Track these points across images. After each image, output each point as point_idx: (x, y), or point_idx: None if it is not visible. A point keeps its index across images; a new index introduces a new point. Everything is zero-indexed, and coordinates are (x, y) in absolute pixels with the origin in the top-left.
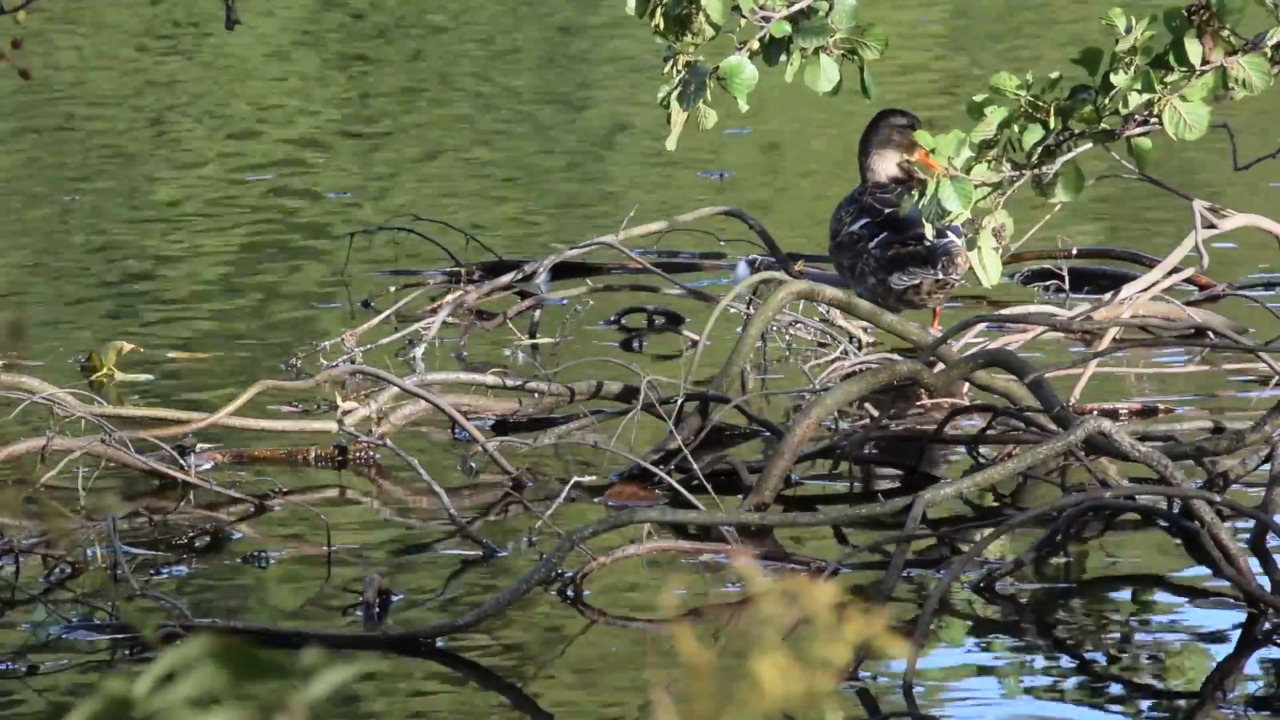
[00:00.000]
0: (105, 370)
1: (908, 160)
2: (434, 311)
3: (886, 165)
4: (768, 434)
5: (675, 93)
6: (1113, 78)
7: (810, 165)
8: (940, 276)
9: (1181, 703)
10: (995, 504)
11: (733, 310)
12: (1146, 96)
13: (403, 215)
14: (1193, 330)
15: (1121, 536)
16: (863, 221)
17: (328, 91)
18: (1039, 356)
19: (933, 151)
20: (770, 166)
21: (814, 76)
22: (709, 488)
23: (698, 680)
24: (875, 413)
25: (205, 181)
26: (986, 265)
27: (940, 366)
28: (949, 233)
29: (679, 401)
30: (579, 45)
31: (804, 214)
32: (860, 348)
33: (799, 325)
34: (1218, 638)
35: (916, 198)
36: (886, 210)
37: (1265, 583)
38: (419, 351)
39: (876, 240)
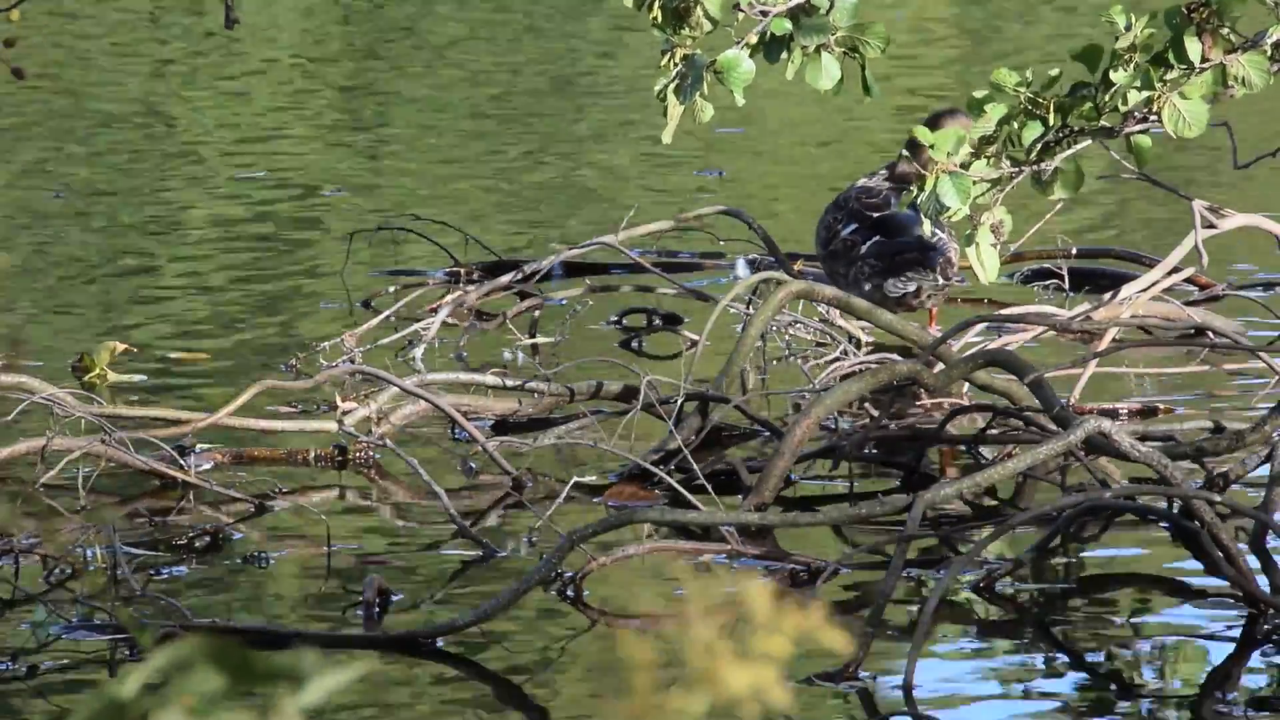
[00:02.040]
0: (98, 371)
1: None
2: (434, 311)
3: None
4: (768, 434)
5: (672, 86)
6: (1112, 75)
7: (809, 163)
8: (940, 282)
9: (1181, 703)
10: (995, 504)
11: (733, 310)
12: (1146, 94)
13: (403, 215)
14: (1193, 330)
15: (1121, 536)
16: (852, 227)
17: (327, 89)
18: (1039, 356)
19: (932, 147)
20: (768, 164)
21: (815, 74)
22: (709, 488)
23: (641, 679)
24: (875, 413)
25: (203, 180)
26: (985, 262)
27: (940, 366)
28: (939, 232)
29: (679, 401)
30: (580, 43)
31: (802, 213)
32: (859, 348)
33: (798, 325)
34: (1218, 638)
35: (914, 194)
36: (875, 214)
37: (1265, 583)
38: (419, 352)
39: (869, 245)
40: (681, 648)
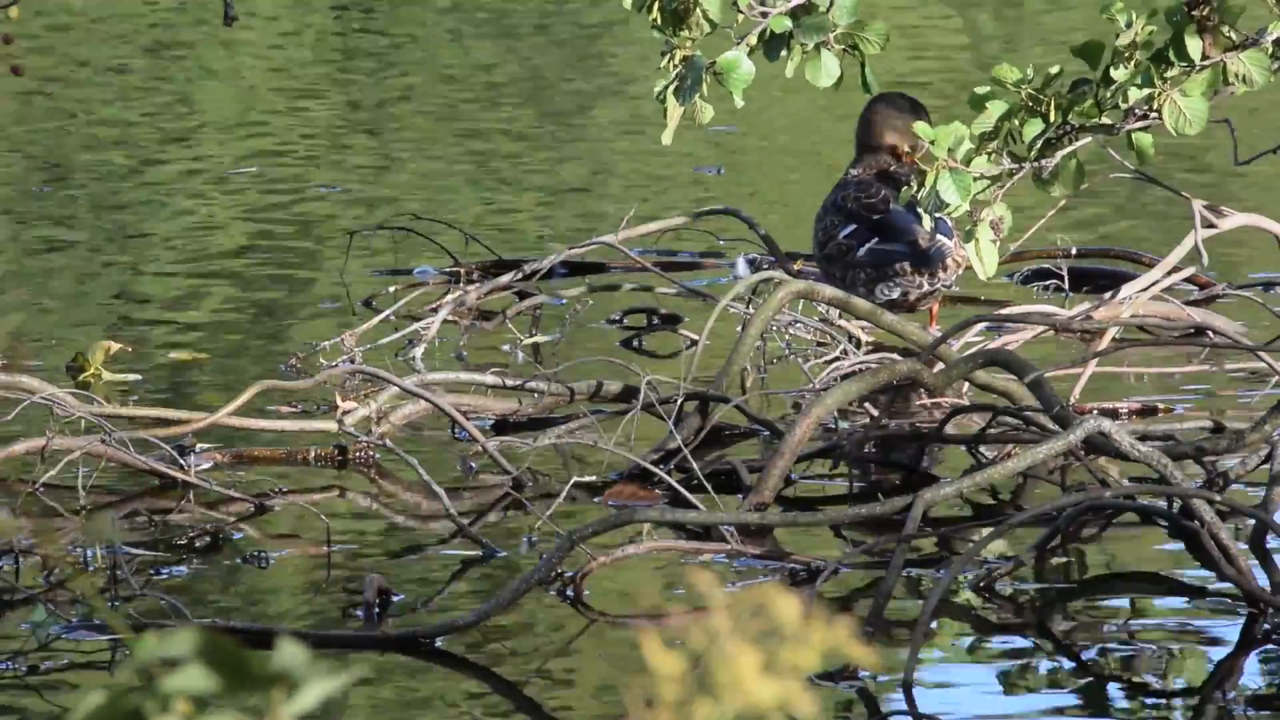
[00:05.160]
0: (92, 370)
1: (896, 154)
2: (434, 311)
3: (877, 156)
4: (768, 434)
5: (672, 87)
6: (1113, 72)
7: (806, 161)
8: (926, 288)
9: (1181, 703)
10: (995, 504)
11: (733, 310)
12: (1147, 91)
13: (402, 215)
14: (1193, 330)
15: (1121, 536)
16: (851, 228)
17: (326, 87)
18: (1039, 355)
19: (932, 143)
20: (765, 163)
21: (815, 72)
22: (709, 488)
23: (669, 686)
24: (875, 413)
25: (201, 178)
26: (984, 258)
27: (940, 366)
28: (940, 234)
29: (679, 401)
30: (580, 40)
31: (801, 211)
32: (859, 347)
33: (798, 325)
34: (1218, 638)
35: (914, 190)
36: (875, 216)
37: (1265, 582)
38: (419, 351)
39: (865, 248)
40: (703, 655)
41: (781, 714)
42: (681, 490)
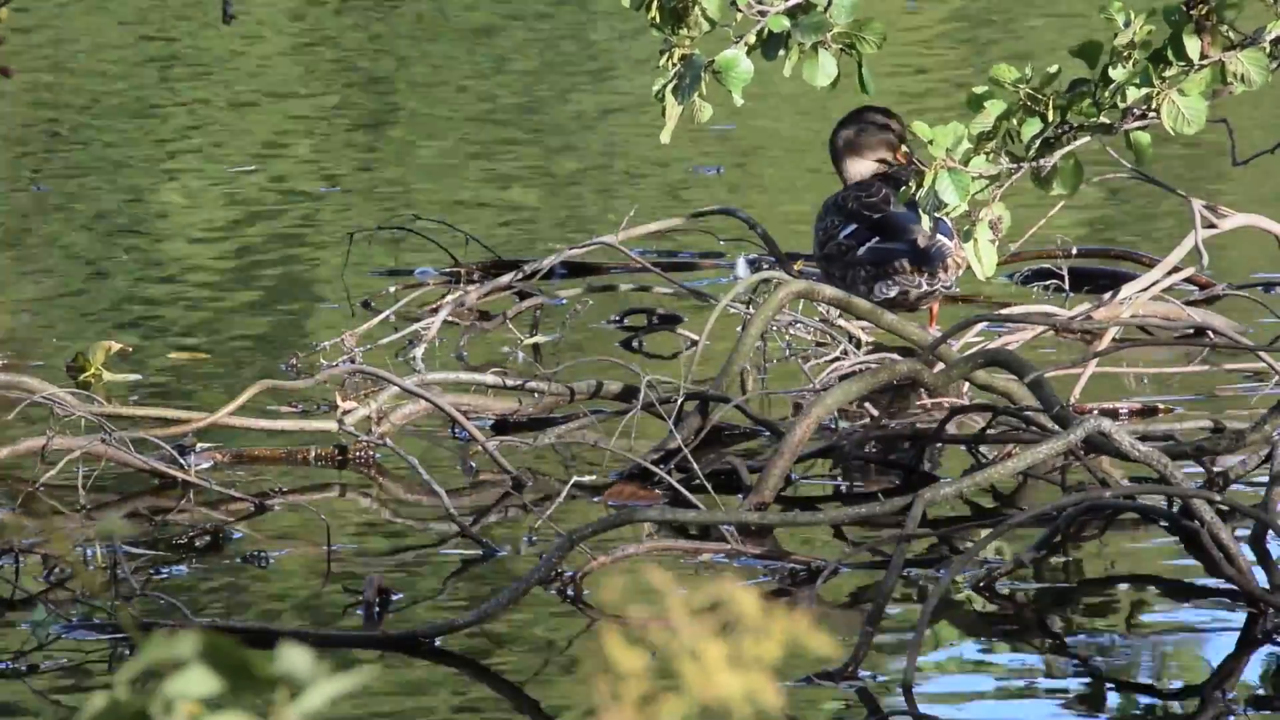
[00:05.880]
0: (93, 370)
1: (887, 162)
2: (434, 311)
3: (862, 166)
4: (768, 434)
5: (671, 86)
6: (1111, 72)
7: (806, 161)
8: (926, 287)
9: (1181, 703)
10: (995, 504)
11: (733, 310)
12: (1145, 91)
13: (402, 215)
14: (1193, 330)
15: (1121, 536)
16: (851, 228)
17: (326, 87)
18: (1040, 356)
19: (931, 142)
20: (764, 162)
21: (812, 72)
22: (709, 488)
23: (632, 682)
24: (875, 413)
25: (201, 179)
26: (982, 258)
27: (940, 366)
28: (939, 235)
29: (679, 401)
30: (580, 39)
31: (801, 211)
32: (859, 348)
33: (798, 325)
34: (1218, 638)
35: (913, 190)
36: (876, 215)
37: (1265, 582)
38: (419, 351)
39: (865, 248)
40: (671, 652)
41: (749, 707)
42: (682, 490)
